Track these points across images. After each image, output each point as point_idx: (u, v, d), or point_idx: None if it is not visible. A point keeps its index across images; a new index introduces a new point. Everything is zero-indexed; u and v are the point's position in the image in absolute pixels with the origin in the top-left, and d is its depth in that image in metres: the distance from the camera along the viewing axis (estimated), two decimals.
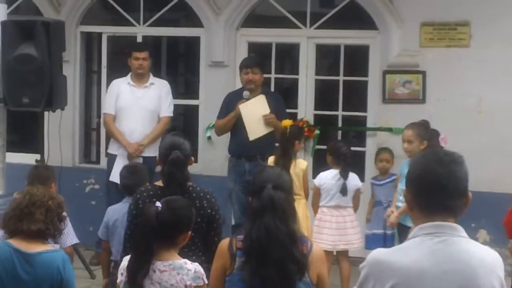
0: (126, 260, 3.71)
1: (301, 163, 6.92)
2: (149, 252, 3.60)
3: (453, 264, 2.42)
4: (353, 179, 6.81)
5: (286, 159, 6.76)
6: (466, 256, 2.44)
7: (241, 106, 7.22)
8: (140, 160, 7.35)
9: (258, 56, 8.16)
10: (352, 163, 6.91)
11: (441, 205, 2.47)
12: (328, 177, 6.78)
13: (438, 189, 2.46)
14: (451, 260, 2.42)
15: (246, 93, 7.33)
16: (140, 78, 7.72)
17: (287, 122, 7.07)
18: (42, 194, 3.79)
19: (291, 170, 6.66)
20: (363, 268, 2.53)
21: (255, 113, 7.24)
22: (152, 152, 7.62)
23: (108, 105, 7.76)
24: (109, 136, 7.87)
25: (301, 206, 6.74)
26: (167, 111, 7.74)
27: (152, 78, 7.80)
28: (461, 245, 2.46)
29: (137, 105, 7.63)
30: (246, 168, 7.28)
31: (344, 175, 6.73)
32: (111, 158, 7.69)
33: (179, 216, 3.67)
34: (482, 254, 2.48)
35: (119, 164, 7.46)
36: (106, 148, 8.12)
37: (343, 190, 6.71)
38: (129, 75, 7.78)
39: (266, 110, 7.26)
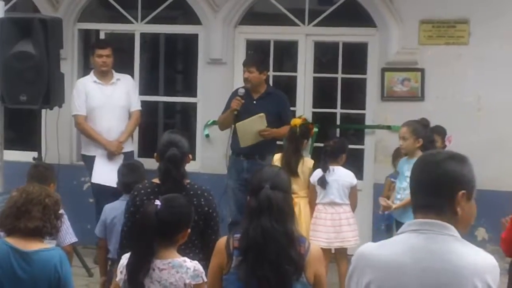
0: (125, 258, 3.69)
1: (308, 162, 6.92)
2: (149, 251, 3.58)
3: (433, 262, 2.39)
4: (345, 175, 6.73)
5: (297, 157, 6.77)
6: (451, 255, 2.39)
7: (238, 124, 7.15)
8: (121, 157, 7.33)
9: (256, 53, 8.12)
10: (331, 156, 6.73)
11: (421, 202, 2.49)
12: (320, 174, 6.77)
13: (419, 186, 2.51)
14: (432, 258, 2.39)
15: (241, 90, 7.29)
16: (104, 75, 7.65)
17: (297, 121, 7.01)
18: (38, 192, 3.78)
19: (299, 169, 6.68)
20: (351, 261, 2.56)
21: (251, 129, 7.16)
22: (129, 147, 7.65)
23: (78, 106, 7.58)
24: (87, 137, 7.61)
25: (307, 205, 6.74)
26: (137, 105, 7.74)
27: (116, 74, 7.74)
28: (446, 244, 2.41)
29: (109, 103, 7.56)
30: (244, 166, 7.25)
31: (323, 168, 6.70)
32: (89, 160, 7.57)
33: (178, 215, 3.66)
34: (468, 255, 2.40)
35: (100, 165, 7.42)
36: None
37: (322, 183, 6.67)
38: (91, 73, 7.72)
39: (263, 126, 7.15)
